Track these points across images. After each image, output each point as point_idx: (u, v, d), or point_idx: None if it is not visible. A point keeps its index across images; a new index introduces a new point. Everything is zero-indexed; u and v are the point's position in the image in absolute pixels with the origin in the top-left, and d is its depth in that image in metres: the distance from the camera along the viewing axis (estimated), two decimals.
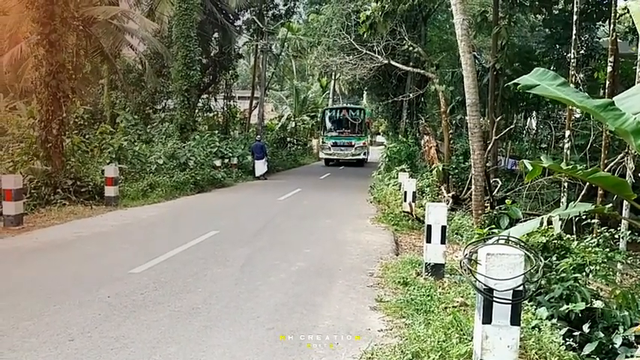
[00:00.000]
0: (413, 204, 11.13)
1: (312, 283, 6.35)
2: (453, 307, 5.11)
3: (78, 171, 12.79)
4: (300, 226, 10.62)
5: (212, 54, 28.36)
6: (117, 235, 9.35)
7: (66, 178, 12.11)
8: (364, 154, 31.71)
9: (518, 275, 3.21)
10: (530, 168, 5.35)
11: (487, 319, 3.26)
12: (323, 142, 31.79)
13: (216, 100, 29.71)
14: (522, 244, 3.61)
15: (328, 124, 32.47)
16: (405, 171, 14.78)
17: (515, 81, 6.16)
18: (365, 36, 15.68)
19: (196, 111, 24.12)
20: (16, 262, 7.26)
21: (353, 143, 30.80)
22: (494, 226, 8.43)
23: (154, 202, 13.49)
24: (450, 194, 12.83)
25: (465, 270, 3.43)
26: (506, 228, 7.97)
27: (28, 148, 12.65)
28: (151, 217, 11.35)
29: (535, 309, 4.86)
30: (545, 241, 6.32)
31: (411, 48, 17.56)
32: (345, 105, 37.37)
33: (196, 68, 21.12)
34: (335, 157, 31.27)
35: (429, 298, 5.49)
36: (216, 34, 28.30)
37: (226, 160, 21.00)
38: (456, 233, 9.69)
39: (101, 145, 15.41)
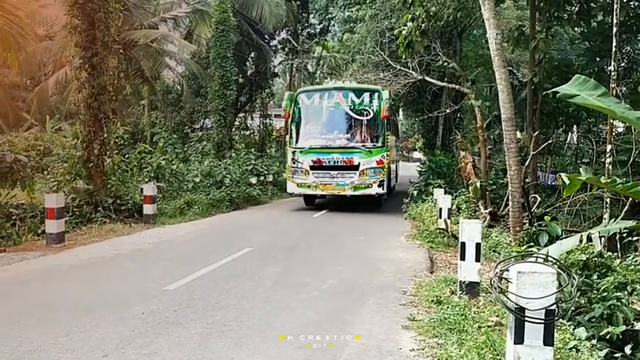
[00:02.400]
0: (448, 220, 10.96)
1: (343, 301, 6.30)
2: (487, 326, 4.98)
3: (118, 190, 13.11)
4: (332, 243, 10.58)
5: (248, 73, 28.86)
6: (153, 252, 9.51)
7: (106, 197, 12.43)
8: (382, 183, 15.41)
9: (551, 294, 3.11)
10: (568, 182, 5.22)
11: (519, 339, 3.17)
12: (294, 161, 15.82)
13: (252, 118, 30.14)
14: (555, 262, 3.51)
15: (305, 124, 16.28)
16: (440, 187, 14.62)
17: (554, 89, 6.04)
18: (404, 56, 15.71)
19: (233, 129, 24.54)
20: (56, 279, 7.46)
21: (355, 161, 15.19)
22: (532, 243, 8.23)
23: (190, 220, 13.69)
24: (488, 211, 12.57)
25: (495, 288, 3.35)
26: (546, 245, 7.77)
27: (72, 167, 13.08)
28: (187, 234, 11.51)
29: (573, 329, 4.70)
30: (585, 258, 6.12)
31: (445, 63, 17.46)
32: (339, 84, 17.49)
33: (233, 88, 21.52)
34: (318, 190, 15.65)
35: (463, 317, 5.37)
36: (252, 54, 28.81)
37: (262, 178, 21.19)
38: (494, 251, 9.46)
39: (140, 164, 15.80)
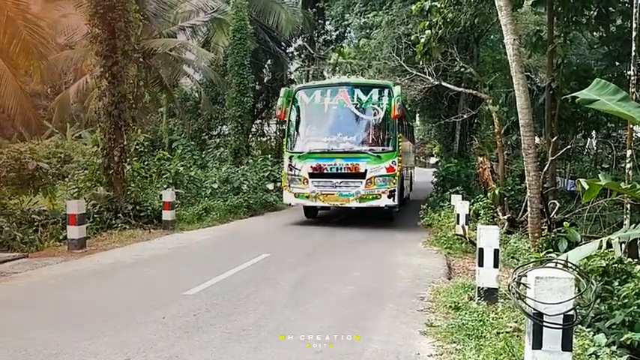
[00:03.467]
0: (466, 227, 10.93)
1: (361, 307, 6.32)
2: (505, 332, 4.97)
3: (137, 196, 13.28)
4: (350, 249, 10.61)
5: (265, 80, 29.06)
6: (173, 257, 9.62)
7: (126, 203, 12.60)
8: (392, 193, 13.19)
9: (569, 299, 3.11)
10: (587, 187, 5.20)
11: (537, 344, 3.17)
12: (291, 167, 13.93)
13: (269, 124, 30.31)
14: (574, 267, 3.50)
15: (303, 126, 14.41)
16: (458, 193, 14.57)
17: (573, 94, 6.02)
18: (421, 63, 15.71)
19: (250, 136, 24.70)
20: (78, 284, 7.59)
21: (362, 168, 13.17)
22: (551, 249, 8.18)
23: (208, 226, 13.81)
24: (506, 217, 12.52)
25: (514, 294, 3.36)
26: (565, 251, 7.72)
27: (92, 174, 13.29)
28: (206, 240, 11.62)
29: (593, 335, 4.67)
30: (605, 265, 6.07)
31: (462, 69, 17.42)
32: (344, 79, 15.83)
33: (249, 95, 21.70)
34: (319, 201, 13.66)
35: (481, 323, 5.36)
36: (268, 61, 29.01)
37: (279, 184, 21.25)
38: (512, 257, 9.40)
39: (159, 171, 15.99)
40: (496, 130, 15.10)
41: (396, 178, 13.09)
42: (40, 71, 12.71)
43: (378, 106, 13.62)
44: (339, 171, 13.18)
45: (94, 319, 5.74)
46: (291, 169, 13.73)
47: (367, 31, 22.76)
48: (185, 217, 14.08)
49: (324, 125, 14.03)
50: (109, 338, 5.12)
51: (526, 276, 3.34)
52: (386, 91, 13.68)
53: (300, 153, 13.68)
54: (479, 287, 6.30)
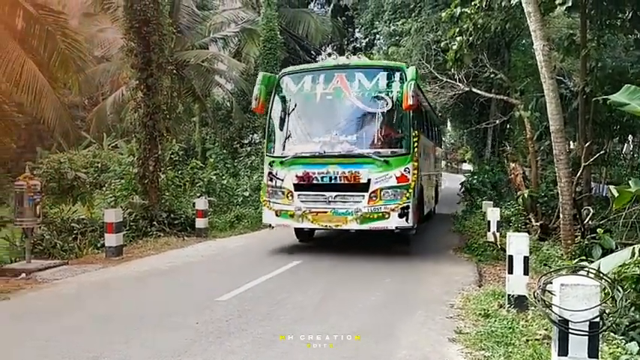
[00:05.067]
0: (497, 234, 10.85)
1: (390, 313, 6.37)
2: (535, 339, 4.96)
3: (172, 204, 13.60)
4: (380, 256, 10.63)
5: None
6: (206, 264, 9.83)
7: (161, 211, 12.92)
8: (405, 211, 9.84)
9: (595, 306, 3.13)
10: (616, 194, 5.17)
11: (563, 351, 3.20)
12: (271, 177, 10.80)
13: None
14: (601, 275, 3.51)
15: (288, 122, 11.10)
16: (489, 200, 14.46)
17: (604, 97, 6.00)
18: (452, 69, 15.67)
19: None
20: (115, 290, 7.84)
21: (364, 177, 9.95)
22: (584, 256, 8.07)
23: (240, 233, 14.03)
24: (539, 223, 12.35)
25: (539, 301, 3.39)
26: (599, 258, 7.61)
27: (128, 183, 13.68)
28: (238, 247, 11.82)
29: (625, 344, 4.62)
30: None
31: (493, 75, 17.29)
32: (342, 61, 12.77)
33: None
34: (306, 221, 10.33)
35: (511, 330, 5.36)
36: None
37: None
38: (544, 264, 9.29)
39: (192, 180, 16.33)
40: (528, 136, 14.93)
41: (411, 190, 9.81)
42: (78, 84, 13.16)
43: (387, 94, 10.35)
44: (334, 181, 10.03)
45: (130, 324, 5.95)
46: (271, 179, 10.67)
47: (396, 38, 22.78)
48: (217, 224, 14.33)
49: (315, 121, 10.89)
50: (144, 342, 5.30)
51: (552, 283, 3.37)
52: (397, 75, 10.46)
53: (283, 158, 10.52)
54: (509, 294, 6.29)
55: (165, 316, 6.24)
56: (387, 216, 9.79)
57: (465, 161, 52.54)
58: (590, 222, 11.04)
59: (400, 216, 9.79)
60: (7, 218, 10.51)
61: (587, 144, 11.96)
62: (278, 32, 21.95)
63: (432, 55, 18.71)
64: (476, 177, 19.53)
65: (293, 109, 11.03)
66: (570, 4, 10.42)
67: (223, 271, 9.13)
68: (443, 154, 59.33)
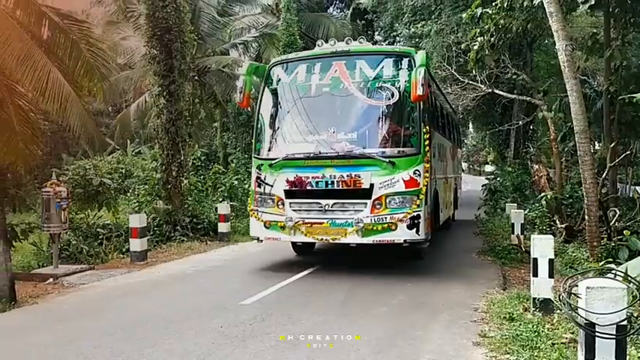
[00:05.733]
0: (521, 236, 10.74)
1: (413, 317, 6.34)
2: (561, 343, 4.90)
3: (194, 209, 13.74)
4: (401, 259, 10.58)
5: None
6: (229, 268, 9.91)
7: (184, 216, 13.06)
8: (416, 221, 8.36)
9: (622, 309, 3.08)
10: None
11: (590, 355, 3.16)
12: (259, 182, 9.40)
13: None
14: (627, 276, 3.46)
15: (279, 119, 9.68)
16: (513, 202, 14.31)
17: (629, 96, 5.91)
18: (473, 71, 15.55)
19: None
20: (141, 294, 7.95)
21: (365, 181, 8.50)
22: (611, 259, 7.95)
23: None
24: (563, 225, 12.19)
25: (564, 304, 3.35)
26: (627, 261, 7.49)
27: (151, 188, 13.86)
28: (259, 251, 11.87)
29: None
30: None
31: (515, 76, 17.12)
32: (340, 46, 9.53)
33: None
34: (299, 234, 8.90)
35: (536, 334, 5.30)
36: None
37: None
38: (570, 267, 9.17)
39: (215, 184, 16.48)
40: (552, 137, 14.75)
41: (422, 196, 8.43)
42: (103, 91, 13.35)
43: (393, 84, 8.92)
44: (331, 187, 8.67)
45: (156, 328, 6.03)
46: (259, 185, 9.35)
47: (416, 40, 22.70)
48: (240, 229, 14.42)
49: (310, 116, 9.28)
50: (171, 346, 5.37)
51: (577, 286, 3.33)
52: (405, 62, 8.99)
53: (273, 160, 9.14)
54: (534, 298, 6.21)
55: (191, 320, 6.31)
56: (393, 227, 8.35)
57: (488, 163, 52.03)
58: (616, 224, 10.86)
59: (409, 227, 8.35)
60: (34, 224, 10.71)
61: (613, 144, 11.79)
62: (298, 37, 22.05)
63: (453, 56, 18.59)
64: (499, 179, 19.33)
65: (284, 104, 9.62)
66: (593, 2, 10.30)
67: (246, 275, 9.19)
68: (464, 156, 58.03)
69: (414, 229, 8.36)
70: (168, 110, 12.87)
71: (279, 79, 9.71)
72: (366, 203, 8.47)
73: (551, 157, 17.79)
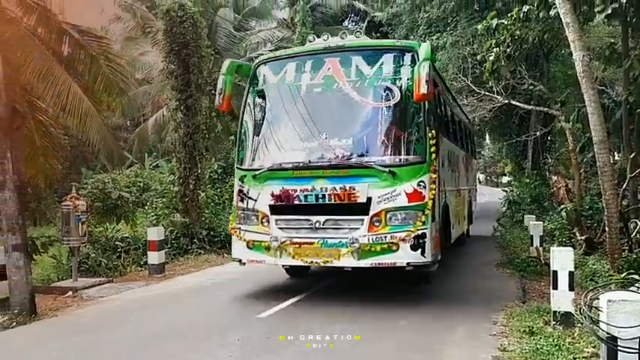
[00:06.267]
0: (540, 248, 10.61)
1: (431, 330, 6.29)
2: (582, 357, 4.82)
3: (211, 222, 13.81)
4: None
5: None
6: (245, 281, 9.90)
7: (201, 229, 13.13)
8: (421, 240, 7.23)
9: None
10: None
11: None
12: (242, 196, 8.28)
13: None
14: None
15: (264, 125, 8.57)
16: (531, 214, 14.16)
17: None
18: (489, 82, 15.50)
19: None
20: (159, 307, 7.98)
21: (361, 195, 7.39)
22: (632, 270, 7.81)
23: None
24: (583, 237, 12.02)
25: (585, 317, 3.30)
26: None
27: (169, 202, 13.97)
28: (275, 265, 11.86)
29: None
30: None
31: (532, 86, 17.02)
32: (334, 41, 8.39)
33: None
34: (285, 256, 7.76)
35: (557, 348, 5.22)
36: None
37: None
38: (591, 279, 9.02)
39: (231, 197, 16.52)
40: (570, 148, 14.63)
41: (428, 211, 7.33)
42: (121, 106, 13.54)
43: (394, 83, 7.82)
44: (322, 201, 7.59)
45: (174, 340, 6.06)
46: (242, 199, 8.27)
47: None
48: None
49: (299, 121, 8.14)
50: (188, 359, 5.37)
51: (598, 299, 3.28)
52: (407, 57, 7.87)
53: (257, 171, 8.07)
54: (554, 311, 6.13)
55: (208, 332, 6.34)
56: (394, 248, 7.26)
57: (505, 174, 51.61)
58: (637, 235, 10.70)
59: (413, 247, 7.24)
60: (54, 237, 10.86)
61: (633, 155, 11.62)
62: None
63: (469, 68, 18.55)
64: (516, 190, 19.15)
65: (271, 107, 8.56)
66: (610, 11, 10.19)
67: (263, 288, 9.19)
68: (480, 167, 57.34)
69: (419, 250, 7.25)
70: (185, 124, 13.00)
71: (266, 80, 8.66)
72: (362, 220, 7.38)
73: (569, 168, 17.61)
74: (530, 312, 6.79)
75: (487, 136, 45.09)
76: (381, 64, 7.93)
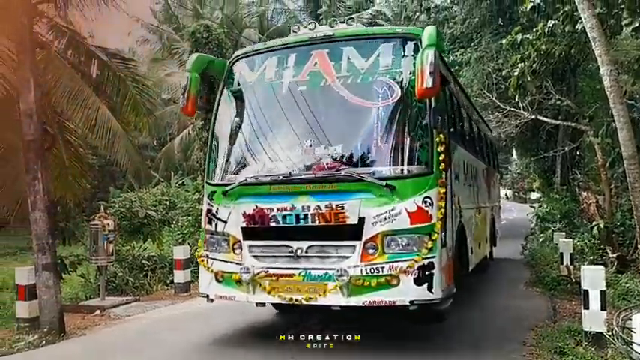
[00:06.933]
0: (571, 266, 10.38)
1: (458, 350, 6.18)
2: None
3: None
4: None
5: None
6: None
7: None
8: (427, 272, 5.67)
9: None
10: None
11: None
12: (210, 217, 6.75)
13: None
14: None
15: (244, 129, 7.08)
16: (561, 231, 13.89)
17: None
18: (516, 97, 15.37)
19: None
20: (185, 326, 8.01)
21: (352, 215, 5.91)
22: None
23: None
24: (615, 255, 11.72)
25: (617, 338, 3.19)
26: None
27: (195, 220, 14.05)
28: None
29: None
30: None
31: (559, 101, 16.80)
32: (322, 30, 6.99)
33: None
34: (260, 291, 6.20)
35: None
36: None
37: None
38: (623, 298, 8.78)
39: None
40: (600, 163, 14.35)
41: (436, 234, 5.84)
42: (148, 126, 13.79)
43: (393, 77, 6.41)
44: (304, 222, 6.16)
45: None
46: (210, 221, 6.82)
47: (456, 68, 22.66)
48: None
49: (280, 126, 6.91)
50: None
51: (631, 319, 3.17)
52: (410, 47, 6.44)
53: (227, 186, 6.66)
54: (585, 331, 5.97)
55: (233, 351, 6.37)
56: (394, 282, 5.72)
57: (534, 190, 50.82)
58: None
59: (418, 281, 5.70)
60: (82, 256, 11.02)
61: None
62: None
63: (493, 83, 18.43)
64: (546, 207, 18.83)
65: (247, 110, 7.18)
66: (637, 24, 10.06)
67: (288, 308, 9.13)
68: (508, 183, 56.24)
69: (425, 284, 5.70)
70: None
71: (242, 78, 7.28)
72: (353, 246, 5.93)
73: (599, 184, 17.26)
74: (561, 332, 6.61)
75: (514, 152, 44.57)
76: (378, 55, 6.52)
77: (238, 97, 7.21)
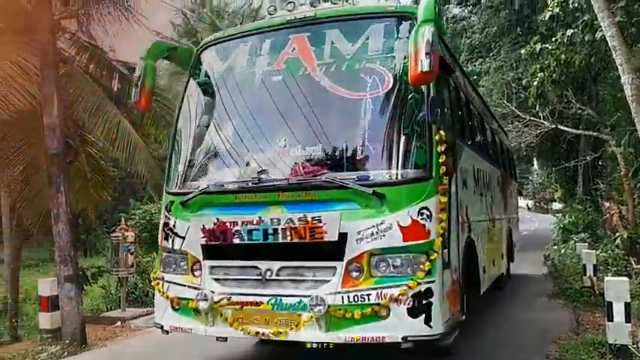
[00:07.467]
0: (594, 278, 10.20)
1: None
2: None
3: None
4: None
5: None
6: None
7: None
8: (425, 301, 4.52)
9: None
10: None
11: None
12: (167, 232, 5.59)
13: None
14: None
15: (210, 128, 5.95)
16: (583, 241, 13.67)
17: None
18: (536, 107, 15.26)
19: None
20: (203, 338, 7.99)
21: (331, 230, 4.75)
22: None
23: None
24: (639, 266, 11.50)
25: None
26: None
27: None
28: None
29: None
30: None
31: (580, 110, 16.63)
32: (301, 13, 5.73)
33: None
34: (223, 322, 5.02)
35: None
36: None
37: None
38: None
39: None
40: (622, 173, 14.16)
41: (435, 253, 4.73)
42: (168, 139, 13.93)
43: (384, 64, 5.29)
44: (273, 239, 5.05)
45: None
46: (167, 237, 5.74)
47: (474, 77, 22.57)
48: None
49: (249, 123, 5.75)
50: None
51: None
52: (404, 28, 5.29)
53: (186, 195, 5.54)
54: (610, 344, 5.85)
55: None
56: (383, 313, 4.61)
57: (555, 200, 50.20)
58: None
59: (413, 312, 4.59)
60: (103, 268, 11.14)
61: None
62: None
63: (513, 93, 18.32)
64: (568, 217, 18.59)
65: (213, 105, 6.16)
66: None
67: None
68: (529, 193, 55.39)
69: (422, 316, 4.59)
70: None
71: (211, 68, 6.26)
72: (333, 268, 4.83)
73: (622, 194, 16.98)
74: (585, 345, 6.48)
75: (535, 162, 44.10)
76: (367, 38, 5.42)
77: (205, 90, 6.24)
